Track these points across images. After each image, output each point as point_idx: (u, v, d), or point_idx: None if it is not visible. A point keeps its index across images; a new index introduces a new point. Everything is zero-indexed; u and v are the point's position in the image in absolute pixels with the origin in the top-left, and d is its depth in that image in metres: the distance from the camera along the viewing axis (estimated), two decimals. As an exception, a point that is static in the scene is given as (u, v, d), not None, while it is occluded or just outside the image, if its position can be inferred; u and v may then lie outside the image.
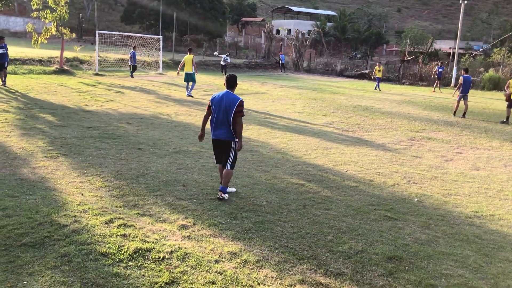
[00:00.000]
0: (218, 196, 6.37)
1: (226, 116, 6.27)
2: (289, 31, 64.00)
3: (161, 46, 29.05)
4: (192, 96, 17.69)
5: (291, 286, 4.19)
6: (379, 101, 20.81)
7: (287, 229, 5.50)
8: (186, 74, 17.95)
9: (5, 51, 16.36)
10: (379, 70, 27.49)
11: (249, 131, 11.69)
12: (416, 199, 6.99)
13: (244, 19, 72.59)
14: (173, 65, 30.89)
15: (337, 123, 13.92)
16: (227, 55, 32.88)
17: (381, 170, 8.64)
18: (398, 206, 6.65)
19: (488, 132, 13.88)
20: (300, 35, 41.83)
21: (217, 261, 4.55)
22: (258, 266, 4.51)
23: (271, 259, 4.69)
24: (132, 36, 30.81)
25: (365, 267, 4.64)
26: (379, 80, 27.56)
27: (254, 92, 21.59)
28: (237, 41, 59.40)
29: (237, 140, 6.40)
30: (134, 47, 25.74)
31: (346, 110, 17.23)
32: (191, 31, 53.99)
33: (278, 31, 64.43)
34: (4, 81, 16.41)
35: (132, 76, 24.29)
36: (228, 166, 6.45)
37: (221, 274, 4.30)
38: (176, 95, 17.66)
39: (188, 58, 18.06)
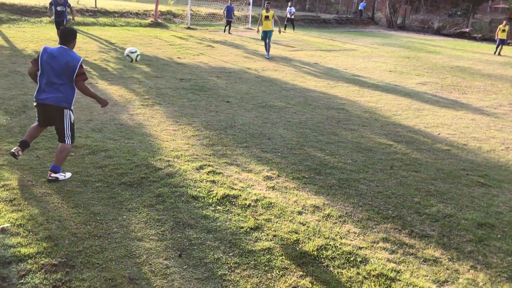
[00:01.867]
0: (48, 177, 4.90)
1: (59, 78, 4.93)
2: (384, -15, 60.47)
3: (250, 0, 28.94)
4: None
5: (374, 243, 4.19)
6: (479, 62, 19.30)
7: (372, 188, 5.44)
8: (265, 32, 16.18)
9: (64, 9, 14.49)
10: (504, 30, 23.40)
11: (337, 89, 11.48)
12: (514, 167, 6.54)
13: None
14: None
15: (431, 84, 13.18)
16: (290, 6, 29.16)
17: (477, 134, 8.13)
18: (493, 173, 6.26)
19: None
20: (395, -10, 39.40)
21: (300, 213, 4.65)
22: (340, 221, 4.55)
23: (354, 215, 4.70)
24: (223, -10, 30.92)
25: (453, 232, 4.49)
26: (503, 42, 23.53)
27: (343, 48, 20.97)
28: (328, -4, 57.34)
29: (71, 108, 5.10)
30: (230, 1, 24.92)
31: (441, 70, 16.21)
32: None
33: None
34: None
35: (227, 31, 23.66)
36: (67, 141, 5.06)
37: (303, 225, 4.40)
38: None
39: (268, 13, 16.29)
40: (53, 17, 14.71)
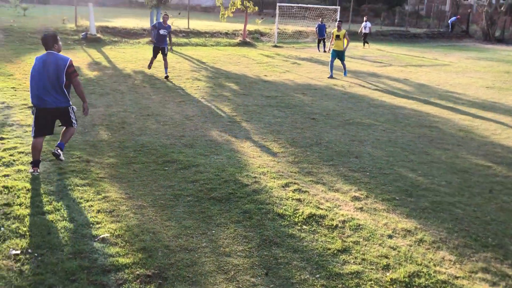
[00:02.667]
0: (53, 150, 5.54)
1: (57, 81, 5.43)
2: (480, -4, 57.21)
3: (338, 17, 28.81)
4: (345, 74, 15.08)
5: (472, 272, 3.90)
6: None
7: (468, 212, 5.09)
8: (336, 52, 14.89)
9: (166, 33, 13.12)
10: None
11: (428, 106, 10.98)
12: None
13: (428, -15, 67.07)
14: (351, 36, 30.41)
15: (536, 101, 12.15)
16: (366, 21, 27.37)
17: None
18: None
19: None
20: (493, 1, 37.11)
21: (390, 236, 4.47)
22: (434, 247, 4.29)
23: (449, 241, 4.41)
24: (310, 7, 31.14)
25: None
26: None
27: (435, 64, 20.06)
28: (418, 10, 55.45)
29: (72, 105, 5.75)
30: (322, 19, 24.02)
31: (547, 86, 14.89)
32: (369, 1, 52.16)
33: (466, -3, 58.08)
34: (166, 73, 12.96)
35: (322, 50, 22.74)
36: (74, 125, 5.79)
37: (394, 249, 4.21)
38: (350, 67, 17.43)
39: (339, 32, 14.91)
40: (153, 40, 13.32)
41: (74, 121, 5.79)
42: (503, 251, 4.27)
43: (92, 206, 4.78)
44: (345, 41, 14.95)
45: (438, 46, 30.51)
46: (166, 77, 12.75)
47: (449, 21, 39.76)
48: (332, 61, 14.94)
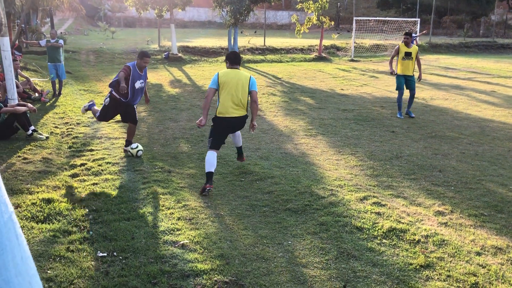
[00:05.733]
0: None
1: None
2: None
3: (418, 29, 27.90)
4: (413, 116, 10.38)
5: None
6: None
7: None
8: (405, 77, 10.24)
9: (143, 84, 7.14)
10: None
11: (520, 118, 10.21)
12: None
13: (516, -8, 63.08)
14: (429, 48, 29.33)
15: None
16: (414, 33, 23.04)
17: None
18: None
19: None
20: None
21: (478, 253, 4.17)
22: (530, 267, 3.94)
23: (547, 262, 4.03)
24: (388, 20, 30.48)
25: None
26: None
27: (527, 75, 18.68)
28: (507, 19, 52.17)
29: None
30: (410, 31, 22.15)
31: None
32: (451, 12, 50.03)
33: (562, 3, 53.83)
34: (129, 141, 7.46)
35: None
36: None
37: (483, 267, 3.92)
38: (432, 79, 16.73)
39: (410, 49, 10.13)
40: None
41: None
42: None
43: (173, 213, 4.95)
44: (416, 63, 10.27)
45: (529, 56, 28.44)
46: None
47: None
48: (401, 94, 10.30)
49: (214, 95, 5.92)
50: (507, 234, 4.56)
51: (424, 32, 28.93)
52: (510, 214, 5.05)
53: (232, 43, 22.68)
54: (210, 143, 5.88)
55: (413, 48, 10.16)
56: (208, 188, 5.50)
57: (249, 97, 5.91)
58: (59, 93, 12.14)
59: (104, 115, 7.13)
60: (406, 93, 10.31)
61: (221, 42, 25.38)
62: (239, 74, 5.84)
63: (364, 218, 4.86)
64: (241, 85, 5.78)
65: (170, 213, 4.96)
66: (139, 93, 7.03)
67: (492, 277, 3.78)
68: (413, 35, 20.11)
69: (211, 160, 5.69)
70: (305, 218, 4.88)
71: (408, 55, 10.10)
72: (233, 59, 5.98)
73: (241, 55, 6.09)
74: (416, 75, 10.47)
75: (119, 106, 7.01)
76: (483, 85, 15.60)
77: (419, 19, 27.70)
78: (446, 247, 4.28)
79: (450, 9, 49.37)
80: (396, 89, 10.44)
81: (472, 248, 4.26)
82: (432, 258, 4.07)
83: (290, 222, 4.78)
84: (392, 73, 10.52)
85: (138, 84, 6.90)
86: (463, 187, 5.91)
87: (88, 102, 7.61)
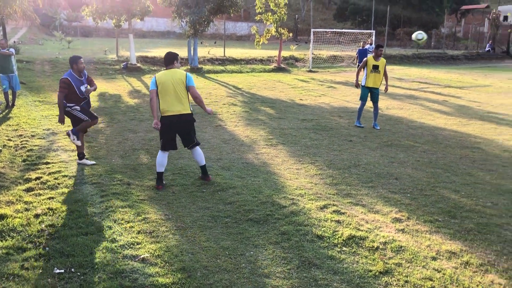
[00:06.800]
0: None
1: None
2: (520, 16, 55.94)
3: (373, 40, 28.75)
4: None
5: (524, 297, 3.70)
6: None
7: (518, 234, 4.86)
8: (370, 89, 10.39)
9: (87, 85, 7.15)
10: None
11: (470, 127, 10.68)
12: None
13: (464, 7, 66.27)
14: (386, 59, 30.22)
15: None
16: (371, 44, 22.13)
17: None
18: None
19: None
20: (535, 20, 36.17)
21: (434, 258, 4.31)
22: (482, 270, 4.11)
23: (498, 264, 4.22)
24: (344, 32, 31.26)
25: None
26: None
27: (475, 85, 19.59)
28: (455, 32, 54.64)
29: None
30: (364, 43, 21.40)
31: None
32: (404, 24, 51.91)
33: (505, 18, 56.94)
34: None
35: None
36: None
37: (439, 272, 4.06)
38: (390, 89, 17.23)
39: (378, 62, 10.24)
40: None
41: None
42: (557, 274, 4.04)
43: (132, 227, 4.86)
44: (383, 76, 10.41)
45: (477, 67, 29.85)
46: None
47: (487, 48, 39.16)
48: (363, 105, 10.58)
49: (158, 95, 6.05)
50: (460, 239, 4.74)
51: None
52: (463, 219, 5.26)
53: (192, 54, 22.60)
54: (160, 144, 6.18)
55: (381, 61, 10.24)
56: (159, 188, 5.97)
57: (189, 95, 6.10)
58: (13, 105, 11.71)
59: (80, 120, 7.08)
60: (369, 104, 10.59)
61: (181, 52, 25.21)
62: (175, 73, 6.03)
63: (324, 227, 4.94)
64: (177, 82, 5.96)
65: (129, 227, 4.86)
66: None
67: (447, 281, 3.91)
68: (370, 46, 20.73)
69: (160, 160, 6.10)
70: (267, 228, 4.91)
71: (375, 68, 10.18)
72: (167, 59, 6.15)
73: (177, 55, 6.17)
74: (383, 87, 10.73)
75: (84, 105, 7.14)
76: (436, 95, 16.23)
77: (374, 30, 28.54)
78: (403, 253, 4.40)
79: (403, 22, 51.22)
80: (360, 99, 10.62)
81: (428, 254, 4.40)
82: (391, 264, 4.18)
83: (252, 233, 4.79)
84: (357, 86, 10.69)
85: (83, 88, 7.03)
86: (419, 194, 6.11)
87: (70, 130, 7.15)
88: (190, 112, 6.12)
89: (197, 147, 6.34)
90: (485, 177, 6.87)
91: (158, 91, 6.01)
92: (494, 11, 44.33)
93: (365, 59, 10.45)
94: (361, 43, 21.98)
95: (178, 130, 6.17)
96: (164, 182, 6.23)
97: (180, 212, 5.31)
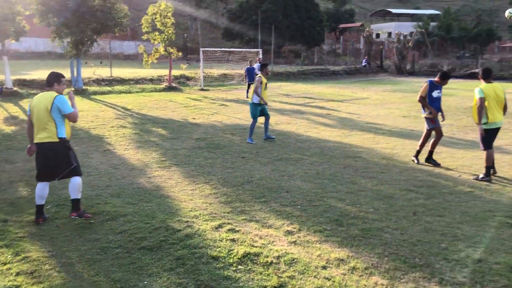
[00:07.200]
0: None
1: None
2: (389, 34, 61.98)
3: (260, 58, 29.80)
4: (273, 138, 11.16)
5: (404, 294, 4.01)
6: (494, 101, 19.22)
7: (396, 236, 5.28)
8: (259, 106, 10.95)
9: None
10: None
11: (351, 137, 11.47)
12: (543, 205, 6.32)
13: (341, 25, 71.72)
14: (272, 76, 31.45)
15: (447, 126, 13.09)
16: (258, 62, 22.84)
17: (499, 174, 7.94)
18: (521, 212, 6.06)
19: None
20: (401, 37, 40.30)
21: (324, 267, 4.51)
22: (367, 273, 4.39)
23: (380, 266, 4.53)
24: (233, 51, 32.01)
25: (486, 277, 4.29)
26: None
27: (355, 98, 21.18)
28: (335, 49, 58.84)
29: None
30: (251, 62, 21.44)
31: (456, 112, 16.19)
32: (289, 42, 54.66)
33: (378, 35, 62.71)
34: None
35: (247, 97, 20.25)
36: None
37: (329, 280, 4.25)
38: (276, 105, 17.92)
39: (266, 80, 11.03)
40: None
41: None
42: (430, 269, 4.45)
43: (10, 268, 4.42)
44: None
45: (356, 81, 32.35)
46: None
47: (363, 63, 42.88)
48: (256, 122, 11.03)
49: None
50: (347, 245, 5.03)
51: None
52: (349, 226, 5.59)
53: (75, 75, 21.49)
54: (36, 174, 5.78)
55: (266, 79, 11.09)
56: (40, 222, 5.56)
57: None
58: None
59: None
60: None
61: (63, 73, 23.85)
62: (45, 96, 5.64)
63: (219, 247, 4.93)
64: (43, 108, 5.55)
65: (7, 269, 4.41)
66: None
67: (337, 287, 4.11)
68: (258, 64, 21.40)
69: (39, 192, 5.66)
70: (161, 255, 4.77)
71: (266, 85, 10.98)
72: (47, 80, 5.84)
73: (60, 76, 5.81)
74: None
75: None
76: (320, 109, 17.23)
77: (261, 49, 29.62)
78: (296, 265, 4.55)
79: (288, 40, 53.88)
80: (253, 117, 11.02)
81: (319, 263, 4.59)
82: (285, 277, 4.28)
83: (146, 261, 4.62)
84: (265, 103, 11.00)
85: None
86: (308, 205, 6.38)
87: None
88: (57, 140, 5.57)
89: (75, 178, 5.74)
90: (367, 184, 7.40)
91: (31, 116, 5.64)
92: (367, 29, 48.57)
93: (260, 78, 10.87)
94: (249, 61, 22.62)
95: (44, 159, 5.66)
96: (46, 215, 5.77)
97: (66, 247, 4.94)
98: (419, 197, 6.73)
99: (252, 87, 11.15)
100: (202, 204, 6.39)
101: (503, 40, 63.02)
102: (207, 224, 5.60)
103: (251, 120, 11.02)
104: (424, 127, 8.92)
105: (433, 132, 8.78)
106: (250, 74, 20.62)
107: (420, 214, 6.02)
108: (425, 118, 8.78)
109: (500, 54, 52.09)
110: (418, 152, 8.94)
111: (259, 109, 10.96)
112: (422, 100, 8.63)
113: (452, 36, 57.82)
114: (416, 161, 8.87)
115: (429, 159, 8.77)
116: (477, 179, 7.67)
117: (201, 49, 26.67)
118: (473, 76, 34.41)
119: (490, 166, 7.69)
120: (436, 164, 8.62)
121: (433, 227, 5.55)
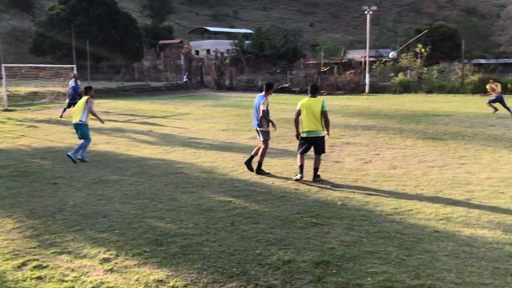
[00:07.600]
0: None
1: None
2: (208, 51, 64.38)
3: (75, 72, 27.96)
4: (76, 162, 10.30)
5: (221, 306, 4.08)
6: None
7: (215, 248, 5.39)
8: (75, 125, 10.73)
9: None
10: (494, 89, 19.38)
11: (173, 153, 11.48)
12: (339, 203, 7.18)
13: (161, 42, 72.02)
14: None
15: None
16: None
17: (305, 177, 8.77)
18: (323, 211, 6.77)
19: (402, 132, 14.69)
20: (219, 54, 42.24)
21: (143, 292, 4.34)
22: (186, 291, 4.36)
23: (199, 281, 4.56)
24: (44, 67, 29.39)
25: (294, 276, 4.65)
26: (500, 100, 19.15)
27: (177, 113, 21.35)
28: (156, 64, 58.72)
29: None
30: (76, 80, 19.84)
31: (269, 123, 17.49)
32: (108, 58, 52.65)
33: (197, 52, 64.59)
34: None
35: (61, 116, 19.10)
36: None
37: (147, 304, 4.10)
38: (94, 124, 16.99)
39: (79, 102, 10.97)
40: None
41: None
42: (245, 277, 4.64)
43: None
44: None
45: (178, 97, 32.69)
46: None
47: (184, 79, 43.80)
48: (90, 141, 10.94)
49: None
50: (166, 265, 4.94)
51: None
52: (169, 245, 5.51)
53: None
54: None
55: (82, 100, 10.80)
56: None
57: None
58: None
59: None
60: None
61: None
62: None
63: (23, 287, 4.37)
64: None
65: None
66: None
67: (155, 311, 3.99)
68: (72, 81, 20.01)
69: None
70: None
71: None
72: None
73: None
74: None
75: None
76: (142, 126, 16.89)
77: (75, 65, 27.84)
78: (112, 294, 4.28)
79: (106, 55, 51.87)
80: (86, 138, 10.64)
81: (137, 288, 4.41)
82: (99, 310, 3.99)
83: None
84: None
85: None
86: (127, 228, 6.12)
87: None
88: None
89: None
90: (187, 200, 7.43)
91: None
92: (186, 46, 49.70)
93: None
94: (74, 80, 19.94)
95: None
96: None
97: None
98: (236, 207, 7.02)
99: (74, 107, 10.73)
100: (3, 242, 5.62)
101: (306, 58, 70.88)
102: (8, 264, 4.93)
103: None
104: (256, 140, 9.36)
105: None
106: (76, 92, 18.64)
107: (238, 223, 6.27)
108: (262, 131, 9.23)
109: (305, 70, 58.49)
110: (261, 163, 9.25)
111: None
112: (265, 114, 9.03)
113: (265, 53, 62.78)
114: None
115: (258, 169, 9.22)
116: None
117: (3, 65, 23.86)
118: (284, 90, 37.85)
119: (302, 165, 8.57)
120: (265, 173, 9.14)
121: (248, 234, 5.83)
